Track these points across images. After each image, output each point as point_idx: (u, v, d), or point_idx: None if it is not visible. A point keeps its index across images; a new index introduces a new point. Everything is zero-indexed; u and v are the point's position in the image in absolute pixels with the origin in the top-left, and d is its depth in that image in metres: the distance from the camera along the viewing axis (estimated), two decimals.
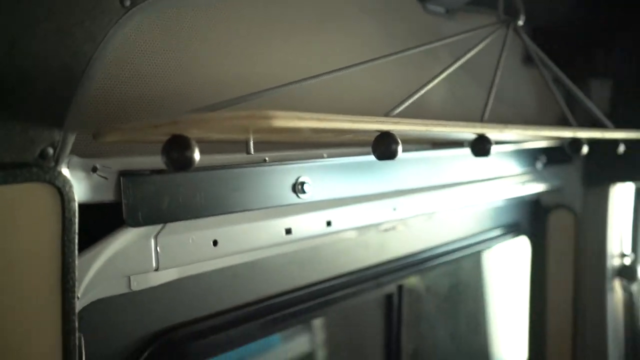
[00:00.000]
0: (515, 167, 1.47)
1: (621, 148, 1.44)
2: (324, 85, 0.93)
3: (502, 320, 1.89)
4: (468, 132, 0.93)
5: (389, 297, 1.29)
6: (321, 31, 1.00)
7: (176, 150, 0.53)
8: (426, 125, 0.80)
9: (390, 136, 0.74)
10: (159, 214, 0.70)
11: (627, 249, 1.89)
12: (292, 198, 0.87)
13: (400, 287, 1.29)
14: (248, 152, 0.69)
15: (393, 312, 1.30)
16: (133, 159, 0.70)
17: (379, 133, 0.75)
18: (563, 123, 1.78)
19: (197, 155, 0.54)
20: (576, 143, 1.28)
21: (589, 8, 1.49)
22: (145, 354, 0.84)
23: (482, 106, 1.37)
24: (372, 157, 0.79)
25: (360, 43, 1.07)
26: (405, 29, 1.15)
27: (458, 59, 0.98)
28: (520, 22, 1.13)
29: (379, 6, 1.09)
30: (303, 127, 0.63)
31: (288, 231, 0.92)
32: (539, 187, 1.67)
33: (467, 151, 0.97)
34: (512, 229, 1.73)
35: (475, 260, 1.75)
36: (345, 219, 1.03)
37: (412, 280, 1.73)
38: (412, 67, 1.17)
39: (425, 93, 1.22)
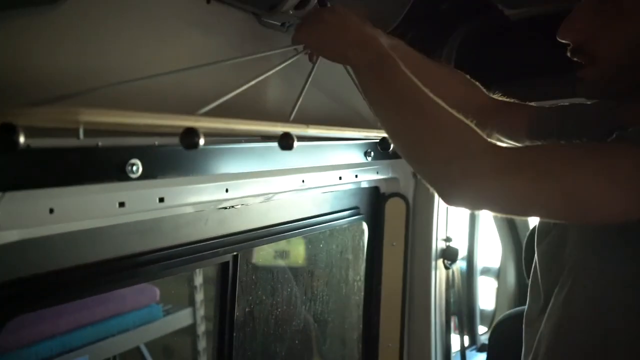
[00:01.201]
0: (345, 158, 1.71)
1: None
2: (167, 84, 1.13)
3: (342, 294, 2.16)
4: (276, 130, 1.16)
5: (225, 265, 1.50)
6: (168, 44, 1.19)
7: (4, 134, 0.71)
8: (228, 123, 1.01)
9: (192, 131, 0.95)
10: None
11: (450, 234, 2.22)
12: (122, 177, 1.06)
13: (235, 257, 1.51)
14: (78, 138, 0.88)
15: (228, 278, 1.52)
16: None
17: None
18: None
19: (22, 139, 0.72)
20: (385, 141, 1.53)
21: (412, 26, 1.76)
22: None
23: (317, 107, 1.62)
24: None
25: (198, 50, 1.27)
26: (241, 40, 1.35)
27: (267, 71, 1.19)
28: None
29: (217, 20, 1.28)
30: (111, 122, 0.83)
31: (121, 204, 1.10)
32: (374, 177, 1.94)
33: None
34: (352, 214, 1.99)
35: (316, 239, 2.00)
36: (177, 196, 1.22)
37: (260, 257, 1.97)
38: (248, 72, 1.38)
39: (261, 97, 1.44)
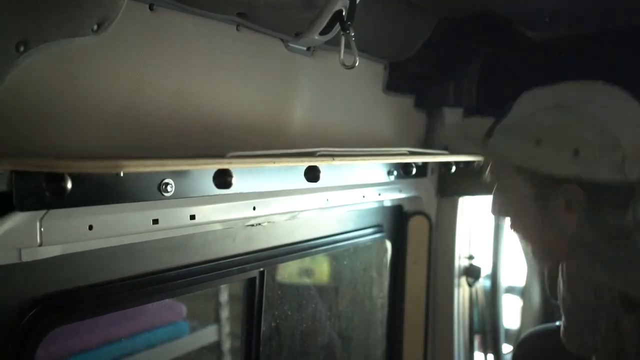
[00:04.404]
0: (369, 177, 1.76)
1: (453, 169, 1.77)
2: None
3: (365, 311, 2.19)
4: (303, 165, 1.21)
5: (251, 281, 1.55)
6: (201, 69, 1.25)
7: (52, 182, 0.86)
8: (257, 162, 1.07)
9: (225, 171, 1.02)
10: (41, 203, 0.94)
11: (473, 252, 2.24)
12: (157, 195, 1.12)
13: (262, 273, 1.55)
14: (117, 174, 0.95)
15: (255, 293, 1.57)
16: (23, 160, 0.93)
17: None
18: (423, 143, 2.11)
19: (69, 185, 0.82)
20: (408, 166, 1.58)
21: (436, 49, 1.81)
22: (32, 312, 1.07)
23: (341, 130, 1.67)
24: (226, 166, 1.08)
25: (230, 74, 1.33)
26: (269, 64, 1.41)
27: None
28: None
29: (246, 45, 1.35)
30: (149, 171, 0.91)
31: (155, 221, 1.16)
32: (397, 196, 1.98)
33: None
34: (375, 232, 2.03)
35: (340, 256, 2.04)
36: (207, 214, 1.28)
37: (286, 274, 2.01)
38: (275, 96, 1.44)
39: (285, 121, 1.50)
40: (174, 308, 3.45)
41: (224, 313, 3.85)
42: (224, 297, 3.76)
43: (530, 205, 1.13)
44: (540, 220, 1.14)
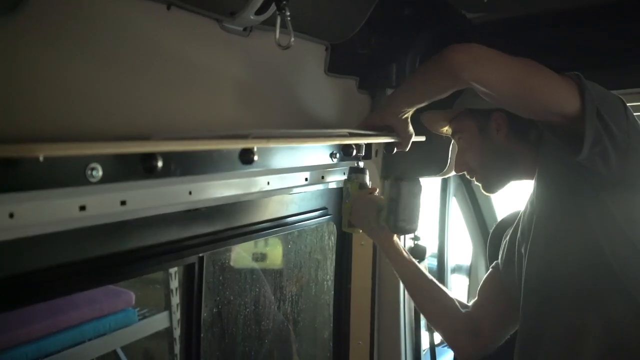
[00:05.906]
0: (311, 159, 1.74)
1: (394, 150, 1.77)
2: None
3: (312, 294, 2.19)
4: (237, 147, 1.19)
5: (190, 267, 1.53)
6: (129, 51, 1.21)
7: None
8: (187, 145, 1.04)
9: (152, 156, 0.98)
10: None
11: (418, 232, 2.25)
12: (82, 181, 1.08)
13: (200, 258, 1.53)
14: (37, 159, 0.90)
15: (194, 279, 1.54)
16: None
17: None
18: None
19: None
20: (347, 147, 1.57)
21: (376, 30, 1.80)
22: None
23: (282, 112, 1.64)
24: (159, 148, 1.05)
25: (160, 56, 1.29)
26: (203, 45, 1.38)
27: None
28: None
29: (178, 26, 1.31)
30: (71, 154, 0.87)
31: (82, 208, 1.12)
32: (341, 178, 1.97)
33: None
34: (321, 214, 2.02)
35: (285, 240, 2.03)
36: (139, 199, 1.24)
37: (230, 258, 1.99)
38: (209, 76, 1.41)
39: (221, 104, 1.47)
40: (122, 296, 3.40)
41: (175, 299, 3.82)
42: (174, 283, 3.72)
43: (478, 138, 1.61)
44: (485, 146, 1.61)
